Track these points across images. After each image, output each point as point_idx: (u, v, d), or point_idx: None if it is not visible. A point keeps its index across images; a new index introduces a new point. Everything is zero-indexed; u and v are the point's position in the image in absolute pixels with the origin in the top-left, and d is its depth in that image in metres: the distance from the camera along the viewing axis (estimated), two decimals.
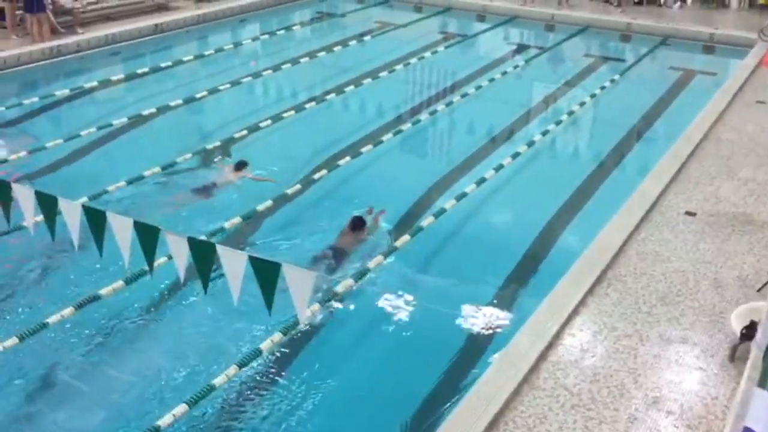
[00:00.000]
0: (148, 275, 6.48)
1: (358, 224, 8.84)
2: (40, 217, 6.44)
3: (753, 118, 12.59)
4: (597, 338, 6.75)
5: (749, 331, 6.23)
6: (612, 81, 15.29)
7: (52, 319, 6.96)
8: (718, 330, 6.90)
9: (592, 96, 14.24)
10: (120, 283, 7.52)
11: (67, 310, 7.10)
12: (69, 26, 16.32)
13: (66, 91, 13.37)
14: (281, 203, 9.68)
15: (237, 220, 8.96)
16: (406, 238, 8.72)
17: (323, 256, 8.44)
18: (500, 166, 10.83)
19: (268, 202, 9.50)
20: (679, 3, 20.26)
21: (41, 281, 8.12)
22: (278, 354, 6.98)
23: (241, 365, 6.55)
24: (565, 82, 15.41)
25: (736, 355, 6.44)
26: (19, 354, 6.72)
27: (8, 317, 7.38)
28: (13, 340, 6.64)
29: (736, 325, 6.46)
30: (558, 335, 6.74)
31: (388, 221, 9.42)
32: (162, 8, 18.84)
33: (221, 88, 13.96)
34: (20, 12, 15.67)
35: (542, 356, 6.44)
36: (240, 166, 10.52)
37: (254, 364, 6.70)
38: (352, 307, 7.77)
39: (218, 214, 9.22)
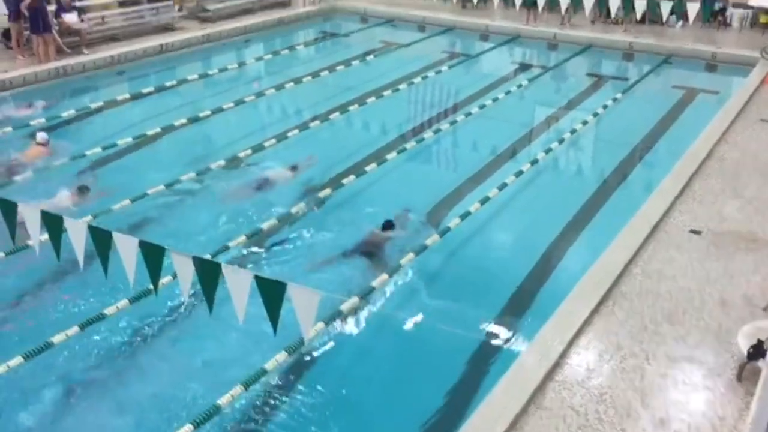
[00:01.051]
0: (152, 294, 6.54)
1: (387, 226, 9.45)
2: (45, 237, 6.50)
3: (756, 136, 12.60)
4: (603, 357, 6.71)
5: (756, 350, 6.20)
6: (615, 99, 15.34)
7: (56, 339, 6.97)
8: (724, 349, 6.86)
9: (595, 114, 14.28)
10: (125, 302, 7.53)
11: (72, 330, 7.11)
12: (76, 47, 16.45)
13: (72, 111, 13.44)
14: (285, 223, 9.70)
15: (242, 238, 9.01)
16: (410, 256, 8.72)
17: (353, 251, 9.05)
18: (504, 185, 10.84)
19: (273, 221, 9.53)
20: (681, 22, 20.35)
21: (46, 300, 8.12)
22: (283, 373, 6.95)
23: (246, 385, 6.53)
24: (568, 101, 15.46)
25: (743, 375, 6.40)
26: (24, 373, 6.71)
27: (14, 337, 7.37)
28: (17, 360, 6.65)
29: (743, 345, 6.42)
30: (564, 354, 6.71)
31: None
32: (167, 29, 19.00)
33: (225, 107, 14.04)
34: (26, 33, 15.80)
35: (548, 376, 6.42)
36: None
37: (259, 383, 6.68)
38: (356, 325, 7.75)
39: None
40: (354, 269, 8.67)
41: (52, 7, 16.13)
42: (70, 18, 16.26)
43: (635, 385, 6.35)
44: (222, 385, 6.54)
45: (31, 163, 11.13)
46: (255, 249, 9.14)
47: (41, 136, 11.62)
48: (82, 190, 10.28)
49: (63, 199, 9.95)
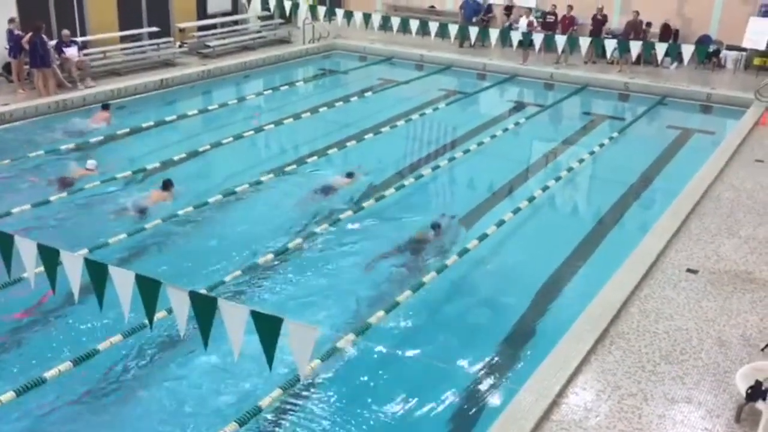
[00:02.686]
0: (147, 329, 6.50)
1: (435, 227, 10.44)
2: (40, 269, 6.47)
3: (752, 176, 12.68)
4: (601, 397, 6.66)
5: (755, 391, 6.16)
6: (611, 138, 15.46)
7: (49, 374, 6.90)
8: (723, 390, 6.82)
9: (592, 153, 14.38)
10: (118, 336, 7.48)
11: (64, 365, 7.04)
12: (81, 79, 16.62)
13: (71, 145, 13.49)
14: (284, 257, 9.69)
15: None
16: (408, 293, 8.70)
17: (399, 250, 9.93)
18: (502, 222, 10.87)
19: (269, 256, 9.53)
20: (675, 63, 20.62)
21: (40, 334, 8.06)
22: (278, 409, 6.87)
23: (240, 423, 6.45)
24: (565, 140, 15.58)
25: (741, 416, 6.35)
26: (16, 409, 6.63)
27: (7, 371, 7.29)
28: (9, 395, 6.58)
29: (741, 385, 6.39)
30: (561, 393, 6.66)
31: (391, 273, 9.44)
32: (168, 64, 19.18)
33: (224, 141, 14.12)
34: (27, 67, 15.95)
35: (545, 415, 6.36)
36: None
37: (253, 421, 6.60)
38: (352, 361, 7.69)
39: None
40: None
41: (52, 42, 16.31)
42: (71, 52, 16.42)
43: (633, 425, 6.29)
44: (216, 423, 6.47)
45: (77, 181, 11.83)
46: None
47: (91, 163, 12.40)
48: (167, 185, 11.36)
49: (154, 196, 11.22)
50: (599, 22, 21.35)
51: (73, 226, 10.55)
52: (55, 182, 11.78)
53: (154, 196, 11.27)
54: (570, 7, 21.47)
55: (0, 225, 9.53)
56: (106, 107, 15.47)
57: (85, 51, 17.20)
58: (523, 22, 20.98)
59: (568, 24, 21.56)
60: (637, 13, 20.59)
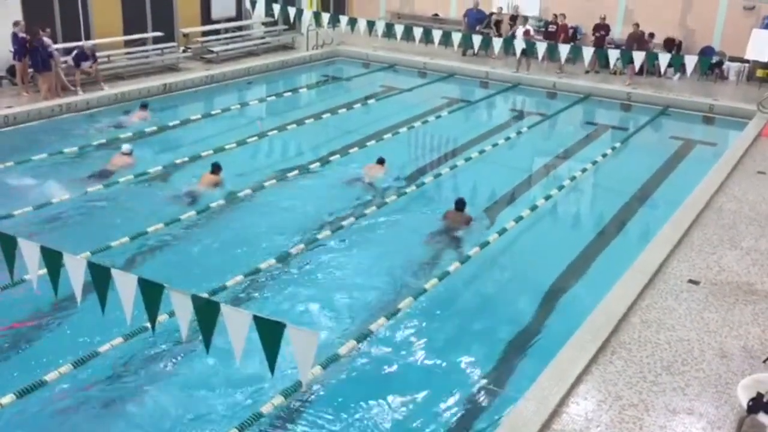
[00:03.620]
0: (149, 332, 6.49)
1: (460, 205, 10.94)
2: (44, 271, 6.48)
3: (754, 188, 12.69)
4: (602, 407, 6.65)
5: (756, 403, 6.15)
6: (614, 148, 15.47)
7: (50, 377, 6.89)
8: (724, 401, 6.81)
9: (594, 163, 14.39)
10: (119, 339, 7.48)
11: (65, 368, 7.04)
12: (92, 83, 16.73)
13: (74, 149, 13.52)
14: (284, 260, 9.70)
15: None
16: (409, 300, 8.69)
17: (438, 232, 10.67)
18: (504, 230, 10.87)
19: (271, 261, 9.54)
20: (678, 74, 20.65)
21: (41, 336, 8.06)
22: (279, 415, 6.87)
23: (241, 429, 6.44)
24: (567, 149, 15.59)
25: (743, 428, 6.34)
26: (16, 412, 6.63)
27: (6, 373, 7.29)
28: (10, 397, 6.57)
29: (743, 397, 6.37)
30: (562, 403, 6.65)
31: (394, 276, 9.45)
32: (171, 69, 19.23)
33: (227, 147, 14.14)
34: (31, 70, 16.01)
35: (546, 425, 6.34)
36: None
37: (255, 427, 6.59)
38: (353, 368, 7.68)
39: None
40: None
41: (59, 45, 16.35)
42: (85, 65, 16.52)
43: None
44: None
45: (117, 171, 12.45)
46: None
47: (126, 147, 13.04)
48: (216, 168, 11.89)
49: (204, 179, 11.86)
50: (604, 33, 21.36)
51: (114, 217, 11.02)
52: (96, 174, 12.33)
53: (205, 180, 11.78)
54: (563, 16, 21.50)
55: (48, 212, 10.80)
56: (144, 106, 15.87)
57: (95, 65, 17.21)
58: (519, 32, 21.02)
59: (559, 32, 21.50)
60: (637, 25, 20.57)
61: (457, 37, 19.45)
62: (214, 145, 14.04)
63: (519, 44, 19.38)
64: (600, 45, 20.65)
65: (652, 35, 20.93)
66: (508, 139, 15.91)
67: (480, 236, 10.75)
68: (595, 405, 6.68)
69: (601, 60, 20.54)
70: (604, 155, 14.87)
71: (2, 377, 7.14)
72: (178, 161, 13.16)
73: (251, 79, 19.96)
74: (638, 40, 20.49)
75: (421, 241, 10.53)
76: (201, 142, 14.44)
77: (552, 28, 21.95)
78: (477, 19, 23.27)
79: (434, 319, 8.72)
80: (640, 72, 20.24)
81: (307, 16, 21.41)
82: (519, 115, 18.62)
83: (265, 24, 23.07)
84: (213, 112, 16.64)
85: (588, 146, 15.91)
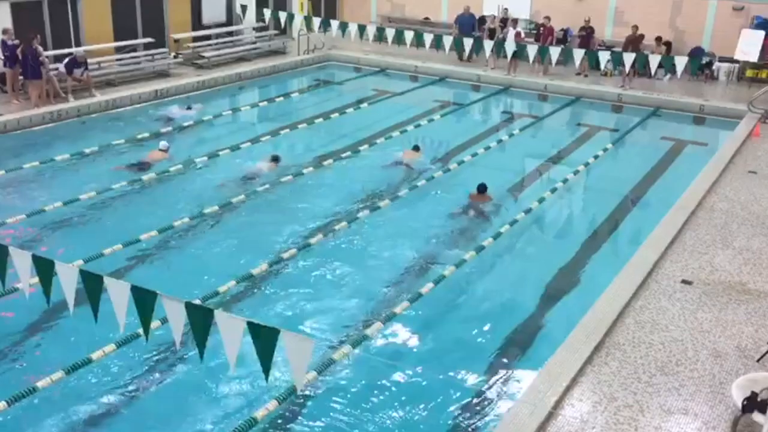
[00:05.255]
0: (141, 339, 6.46)
1: (482, 189, 12.12)
2: (35, 280, 6.45)
3: (745, 187, 12.74)
4: (597, 409, 6.66)
5: (750, 402, 6.16)
6: (605, 150, 15.51)
7: (41, 383, 6.85)
8: (719, 401, 6.82)
9: (586, 164, 14.42)
10: (111, 346, 7.44)
11: (57, 374, 6.99)
12: (83, 89, 16.70)
13: (66, 156, 13.47)
14: (276, 266, 9.68)
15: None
16: (405, 304, 8.69)
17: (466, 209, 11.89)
18: (498, 234, 10.88)
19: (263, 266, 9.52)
20: (668, 75, 20.73)
21: (34, 343, 8.02)
22: (274, 421, 6.85)
23: None
24: (559, 151, 15.62)
25: (737, 428, 6.35)
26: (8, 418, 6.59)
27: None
28: (2, 404, 6.53)
29: (737, 397, 6.39)
30: (557, 405, 6.65)
31: (387, 285, 9.44)
32: (162, 75, 19.19)
33: (220, 153, 14.11)
34: (21, 78, 15.95)
35: (541, 427, 6.35)
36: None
37: None
38: (347, 373, 7.66)
39: None
40: None
41: (49, 52, 16.30)
42: (77, 72, 16.48)
43: None
44: None
45: (154, 164, 13.28)
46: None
47: (163, 144, 13.85)
48: (276, 159, 13.46)
49: (263, 166, 13.31)
50: (587, 34, 21.43)
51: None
52: (135, 164, 13.19)
53: (266, 167, 13.27)
54: (547, 18, 21.55)
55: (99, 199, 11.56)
56: (189, 108, 17.04)
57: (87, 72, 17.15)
58: (510, 34, 21.06)
59: (547, 35, 21.53)
60: (637, 27, 20.65)
61: (448, 41, 19.48)
62: (206, 151, 14.03)
63: (510, 47, 19.45)
64: (584, 46, 20.69)
65: (641, 36, 20.91)
66: (499, 141, 15.94)
67: (502, 218, 11.59)
68: (590, 406, 6.68)
69: (591, 62, 20.60)
70: (596, 157, 14.90)
71: None
72: (172, 169, 13.11)
73: (243, 84, 19.94)
74: (634, 42, 20.52)
75: (420, 240, 10.50)
76: (194, 149, 14.42)
77: (542, 30, 21.99)
78: (471, 25, 23.16)
79: (427, 324, 8.71)
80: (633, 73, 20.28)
81: (298, 20, 21.42)
82: (511, 118, 18.65)
83: (256, 29, 23.06)
84: (205, 118, 16.60)
85: (580, 148, 15.95)
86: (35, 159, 13.12)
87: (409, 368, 7.79)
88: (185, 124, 15.98)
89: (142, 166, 13.11)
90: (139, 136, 14.87)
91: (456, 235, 11.10)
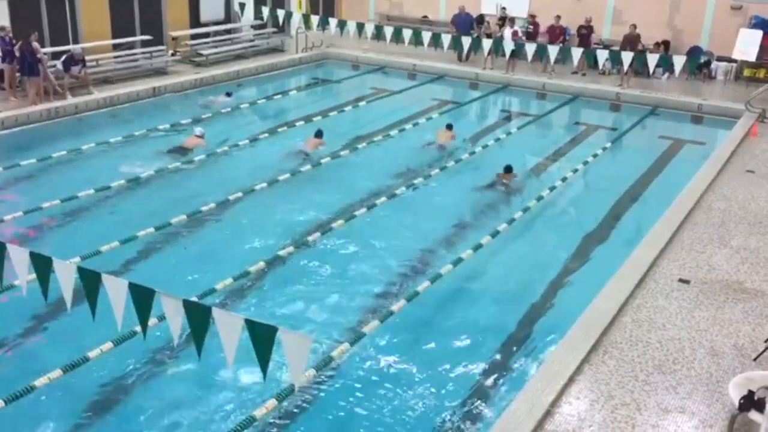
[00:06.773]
0: (139, 336, 6.45)
1: (509, 169, 13.18)
2: (33, 276, 6.43)
3: (743, 186, 12.76)
4: (594, 407, 6.66)
5: (747, 400, 6.17)
6: (604, 148, 15.52)
7: (39, 382, 6.84)
8: (715, 399, 6.83)
9: (584, 163, 14.43)
10: (109, 344, 7.43)
11: (55, 373, 6.98)
12: (81, 87, 16.67)
13: (63, 153, 13.44)
14: (274, 264, 9.67)
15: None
16: (402, 303, 8.68)
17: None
18: (497, 232, 10.88)
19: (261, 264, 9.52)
20: (667, 74, 20.74)
21: (31, 341, 8.01)
22: (272, 419, 6.85)
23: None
24: (557, 149, 15.63)
25: (734, 426, 6.36)
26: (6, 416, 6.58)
27: None
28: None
29: (734, 395, 6.39)
30: (554, 404, 6.66)
31: (388, 283, 9.43)
32: (160, 72, 19.17)
33: (219, 151, 14.10)
34: (19, 75, 15.92)
35: (539, 425, 6.35)
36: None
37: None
38: (345, 371, 7.67)
39: None
40: None
41: (47, 49, 16.26)
42: (74, 70, 16.45)
43: None
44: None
45: (191, 150, 13.95)
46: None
47: (199, 130, 14.57)
48: (318, 134, 14.47)
49: (309, 142, 14.34)
50: (586, 32, 21.43)
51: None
52: (173, 149, 13.90)
53: (312, 143, 14.20)
54: (531, 16, 21.54)
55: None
56: (229, 94, 17.93)
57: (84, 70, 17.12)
58: (507, 33, 21.06)
59: (558, 34, 21.65)
60: (635, 26, 20.64)
61: (446, 39, 19.47)
62: (204, 150, 14.03)
63: (508, 45, 19.45)
64: (584, 44, 20.69)
65: (658, 45, 20.76)
66: (497, 140, 15.93)
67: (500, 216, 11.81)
68: (588, 405, 6.69)
69: (589, 61, 20.61)
70: (594, 155, 14.91)
71: None
72: (170, 166, 13.09)
73: (241, 82, 19.92)
74: (632, 41, 20.51)
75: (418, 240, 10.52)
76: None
77: (530, 28, 22.00)
78: (469, 24, 23.13)
79: (425, 322, 8.72)
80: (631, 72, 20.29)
81: (296, 18, 21.40)
82: (509, 116, 18.66)
83: (254, 27, 23.04)
84: (203, 117, 16.57)
85: (578, 146, 15.96)
86: (32, 156, 13.09)
87: (404, 365, 7.79)
88: (182, 121, 15.96)
89: (182, 150, 13.80)
90: (137, 133, 14.85)
91: (456, 235, 11.09)
